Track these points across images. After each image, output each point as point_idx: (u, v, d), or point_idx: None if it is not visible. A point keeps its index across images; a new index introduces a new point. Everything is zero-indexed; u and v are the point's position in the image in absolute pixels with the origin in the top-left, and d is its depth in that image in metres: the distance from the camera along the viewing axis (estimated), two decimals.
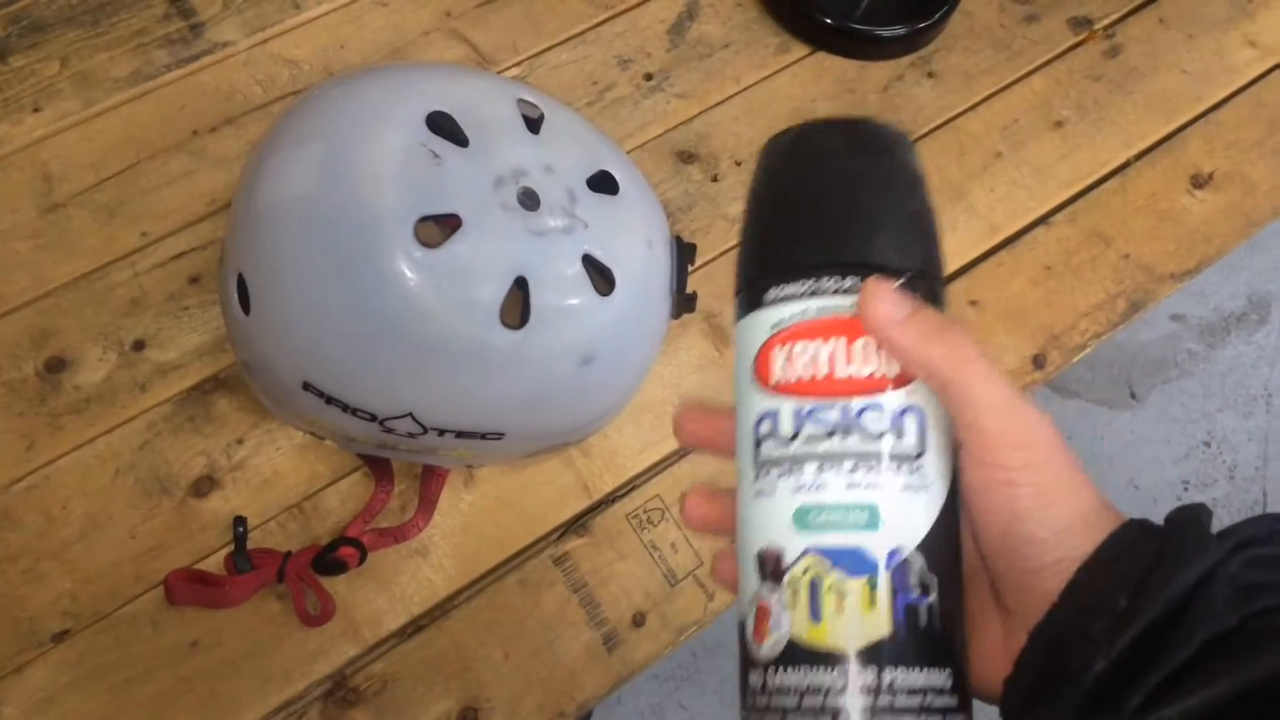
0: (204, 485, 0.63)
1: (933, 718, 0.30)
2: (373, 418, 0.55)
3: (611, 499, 0.65)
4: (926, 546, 0.31)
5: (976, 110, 0.78)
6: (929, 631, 0.31)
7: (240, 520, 0.61)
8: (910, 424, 0.32)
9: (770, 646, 0.31)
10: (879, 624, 0.31)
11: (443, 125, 0.54)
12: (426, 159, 0.52)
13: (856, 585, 0.31)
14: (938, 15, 0.80)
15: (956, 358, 0.30)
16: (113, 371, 0.65)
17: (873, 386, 0.32)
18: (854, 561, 0.31)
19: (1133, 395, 1.54)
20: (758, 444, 0.33)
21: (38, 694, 0.57)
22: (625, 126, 0.75)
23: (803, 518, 0.32)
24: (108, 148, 0.70)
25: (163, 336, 0.66)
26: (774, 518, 0.32)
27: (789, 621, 0.31)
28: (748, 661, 0.32)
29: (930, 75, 0.79)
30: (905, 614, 0.31)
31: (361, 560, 0.61)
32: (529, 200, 0.54)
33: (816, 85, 0.78)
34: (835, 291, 0.32)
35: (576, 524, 0.64)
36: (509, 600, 0.62)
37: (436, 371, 0.54)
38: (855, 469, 0.31)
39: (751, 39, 0.80)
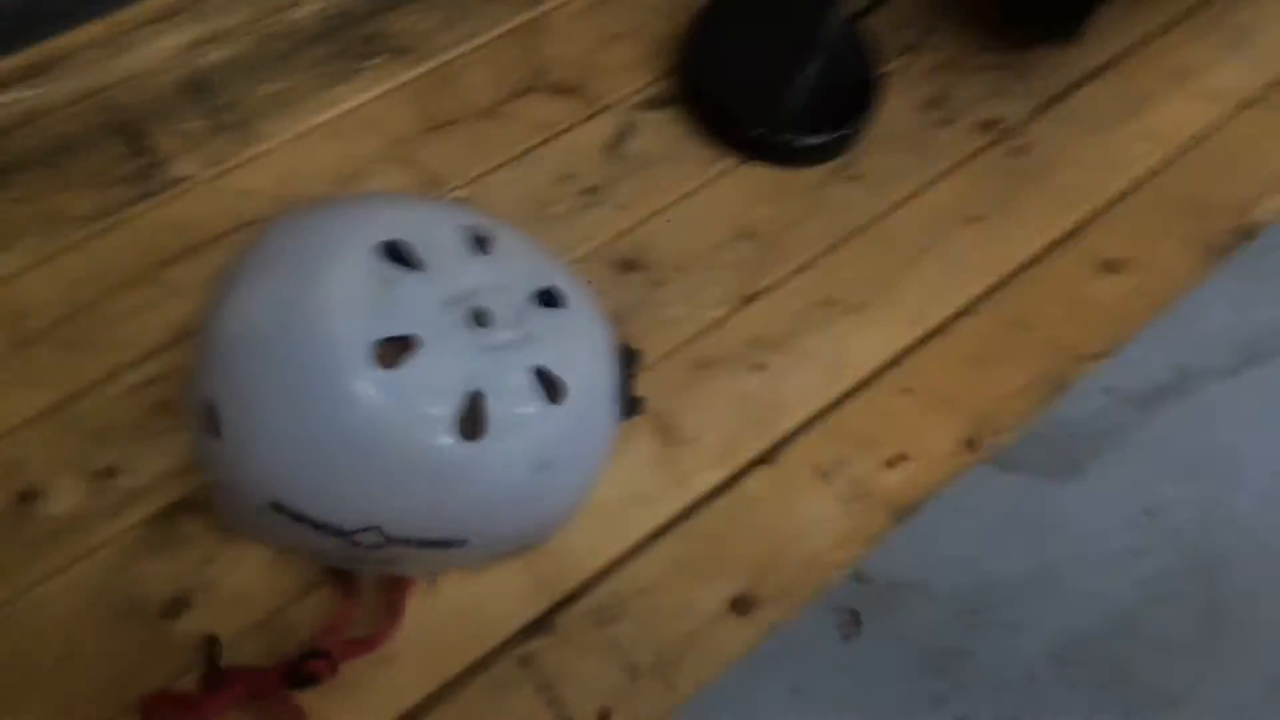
0: (176, 606, 0.64)
1: None
2: (340, 532, 0.58)
3: (571, 598, 0.67)
4: None
5: (898, 210, 0.83)
6: None
7: (212, 639, 0.62)
8: None
9: None
10: None
11: (395, 252, 0.57)
12: (380, 284, 0.56)
13: None
14: (854, 123, 0.85)
15: None
16: (83, 499, 0.66)
17: None
18: None
19: (1074, 467, 1.58)
20: None
21: None
22: (569, 239, 0.79)
23: None
24: (74, 282, 0.73)
25: (131, 462, 0.68)
26: None
27: None
28: None
29: (853, 178, 0.84)
30: None
31: (333, 672, 0.62)
32: (480, 318, 0.57)
33: (747, 194, 0.83)
34: None
35: (539, 624, 0.66)
36: (478, 704, 0.64)
37: (400, 485, 0.56)
38: None
39: (683, 153, 0.84)
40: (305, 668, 0.61)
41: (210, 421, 0.58)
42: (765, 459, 0.73)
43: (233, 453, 0.58)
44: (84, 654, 0.62)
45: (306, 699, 0.62)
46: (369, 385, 0.54)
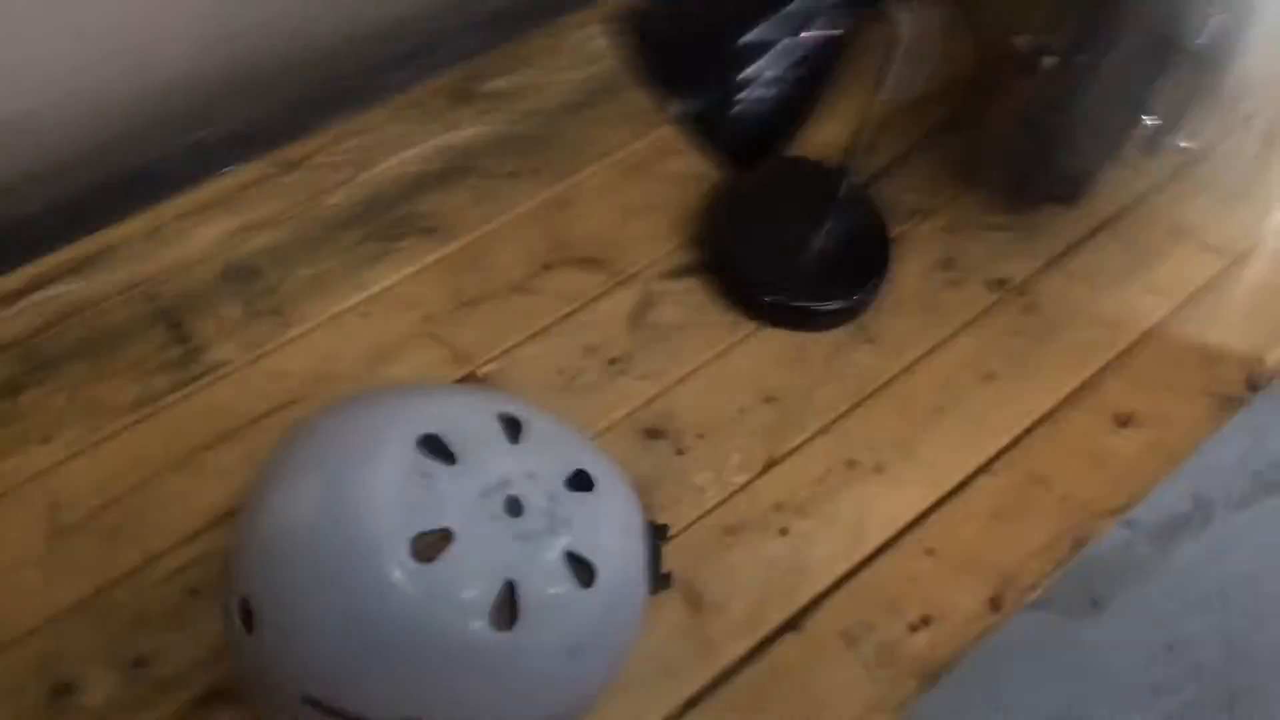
0: None
1: None
2: None
3: None
4: None
5: (914, 370, 0.84)
6: None
7: None
8: None
9: None
10: None
11: (432, 445, 0.58)
12: (419, 480, 0.56)
13: None
14: (868, 287, 0.87)
15: None
16: (114, 690, 0.66)
17: None
18: None
19: (1094, 604, 1.55)
20: None
21: None
22: (595, 409, 0.80)
23: None
24: (113, 472, 0.74)
25: (164, 651, 0.67)
26: None
27: None
28: None
29: (869, 341, 0.86)
30: None
31: None
32: (514, 507, 0.57)
33: (767, 358, 0.84)
34: None
35: None
36: None
37: (434, 677, 0.56)
38: None
39: (704, 320, 0.86)
40: None
41: (245, 616, 0.58)
42: (792, 625, 0.72)
43: (268, 647, 0.57)
44: None
45: None
46: (407, 578, 0.54)
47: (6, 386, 0.77)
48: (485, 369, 0.81)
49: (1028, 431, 0.81)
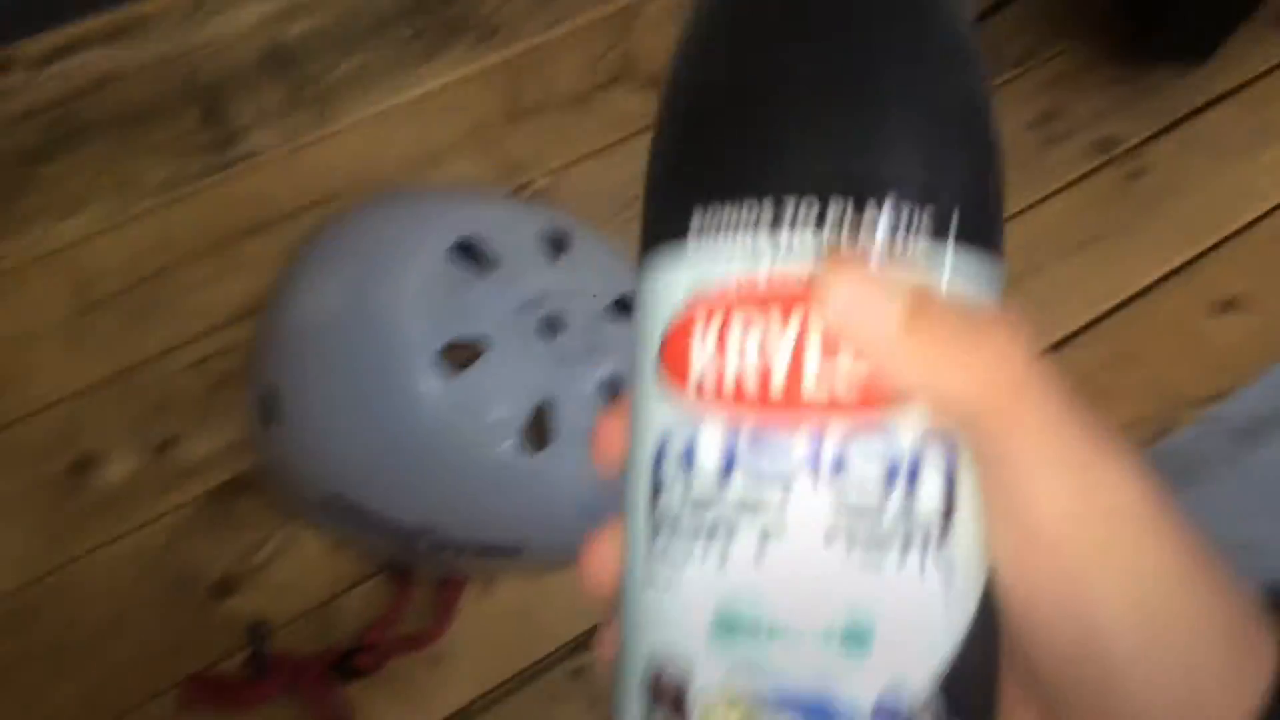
0: (225, 587, 0.65)
1: None
2: (396, 531, 0.58)
3: None
4: (952, 684, 0.19)
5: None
6: None
7: (257, 626, 0.63)
8: (930, 472, 0.20)
9: None
10: None
11: (468, 251, 0.57)
12: (451, 285, 0.55)
13: None
14: None
15: (989, 382, 0.19)
16: (138, 471, 0.68)
17: (869, 403, 0.19)
18: (818, 712, 0.19)
19: None
20: (656, 487, 0.21)
21: None
22: None
23: (730, 626, 0.19)
24: (140, 252, 0.74)
25: (188, 438, 0.69)
26: (676, 618, 0.20)
27: None
28: None
29: None
30: None
31: (379, 667, 0.62)
32: (551, 326, 0.56)
33: None
34: (806, 233, 0.20)
35: (594, 637, 0.66)
36: (526, 712, 0.64)
37: (459, 490, 0.56)
38: (832, 544, 0.19)
39: None
40: (352, 661, 0.62)
41: (271, 407, 0.58)
42: None
43: (292, 440, 0.58)
44: (130, 626, 0.64)
45: (352, 692, 0.62)
46: (434, 388, 0.54)
47: (36, 153, 0.77)
48: (535, 184, 0.80)
49: (1120, 306, 0.79)
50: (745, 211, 0.20)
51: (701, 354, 0.20)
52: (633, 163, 0.82)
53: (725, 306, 0.20)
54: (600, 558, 0.25)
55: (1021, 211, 0.82)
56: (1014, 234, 0.76)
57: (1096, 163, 0.85)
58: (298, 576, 0.66)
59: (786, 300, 0.19)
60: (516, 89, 0.84)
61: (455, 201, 0.62)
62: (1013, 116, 0.86)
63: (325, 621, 0.66)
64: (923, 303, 0.19)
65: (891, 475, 0.19)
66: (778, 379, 0.19)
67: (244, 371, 0.70)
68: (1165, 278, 0.81)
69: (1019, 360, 0.20)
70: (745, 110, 0.21)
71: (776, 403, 0.19)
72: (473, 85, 0.84)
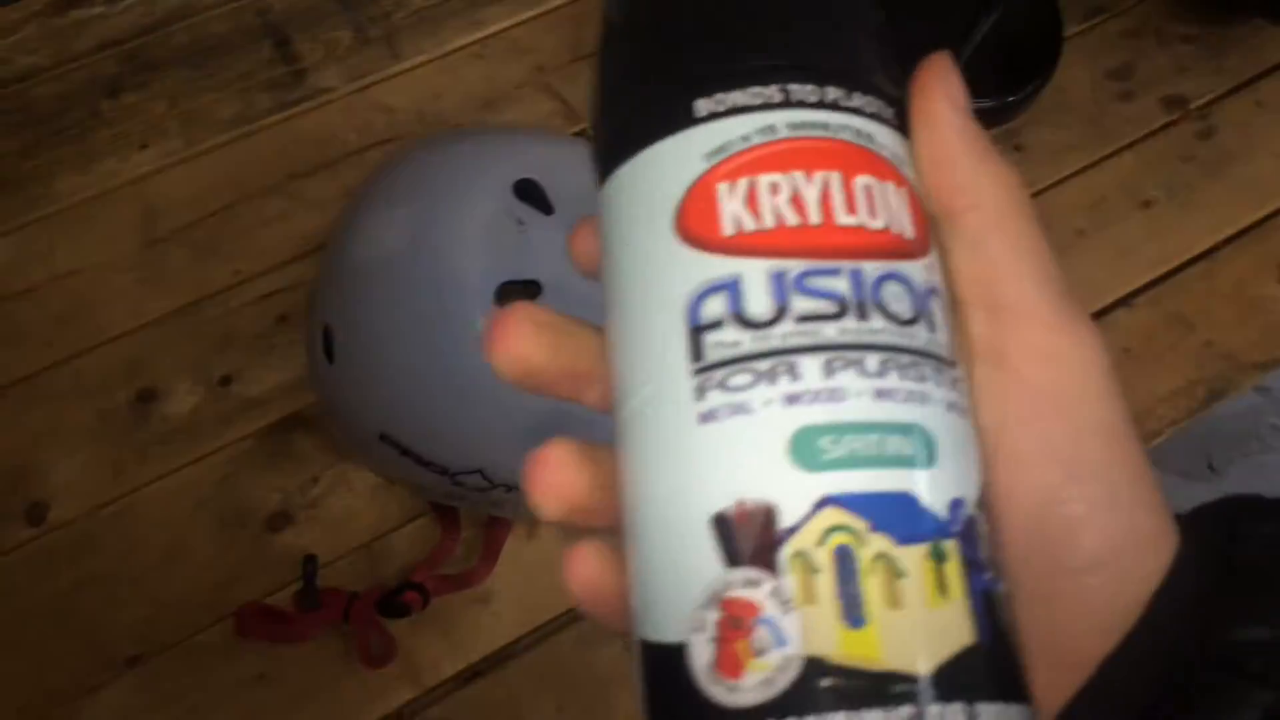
0: (279, 521, 0.66)
1: None
2: (444, 471, 0.58)
3: None
4: (984, 502, 0.21)
5: (1063, 186, 0.79)
6: (1010, 636, 0.20)
7: (310, 559, 0.64)
8: (939, 312, 0.22)
9: (761, 680, 0.19)
10: (956, 624, 0.19)
11: (530, 192, 0.57)
12: (512, 226, 0.55)
13: (916, 557, 0.19)
14: (1029, 89, 0.81)
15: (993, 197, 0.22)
16: (199, 405, 0.68)
17: (891, 247, 0.21)
18: (906, 517, 0.19)
19: (1211, 468, 1.51)
20: (697, 336, 0.21)
21: (110, 717, 0.61)
22: None
23: (810, 447, 0.20)
24: (208, 187, 0.75)
25: (249, 373, 0.69)
26: (749, 452, 0.20)
27: (801, 628, 0.19)
28: (703, 713, 0.19)
29: (1018, 148, 0.80)
30: (984, 607, 0.20)
31: (424, 605, 0.63)
32: None
33: None
34: (819, 104, 0.22)
35: None
36: (566, 654, 0.64)
37: (509, 432, 0.56)
38: (888, 369, 0.20)
39: None
40: (399, 598, 0.63)
41: (326, 345, 0.59)
42: None
43: (347, 379, 0.58)
44: (187, 557, 0.65)
45: (397, 628, 0.63)
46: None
47: (108, 85, 0.77)
48: None
49: (1180, 269, 0.76)
50: (761, 89, 0.22)
51: (735, 206, 0.21)
52: None
53: (751, 165, 0.21)
54: (556, 467, 0.24)
55: (1087, 167, 0.80)
56: (1079, 189, 0.74)
57: (1166, 120, 0.83)
58: (349, 514, 0.67)
59: (811, 156, 0.21)
60: (582, 33, 0.83)
61: (517, 142, 0.61)
62: (1084, 68, 0.84)
63: (373, 558, 0.66)
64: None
65: (920, 303, 0.21)
66: (815, 219, 0.21)
67: (303, 308, 0.71)
68: (1229, 240, 0.79)
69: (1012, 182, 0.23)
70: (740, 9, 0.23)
71: (818, 241, 0.21)
72: (538, 28, 0.83)
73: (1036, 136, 0.81)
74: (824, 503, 0.19)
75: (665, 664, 0.20)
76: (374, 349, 0.57)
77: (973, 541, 0.20)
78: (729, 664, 0.19)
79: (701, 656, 0.19)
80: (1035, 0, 0.83)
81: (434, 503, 0.66)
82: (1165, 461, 1.50)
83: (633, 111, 0.23)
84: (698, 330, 0.21)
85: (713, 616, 0.19)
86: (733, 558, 0.19)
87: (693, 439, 0.20)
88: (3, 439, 0.66)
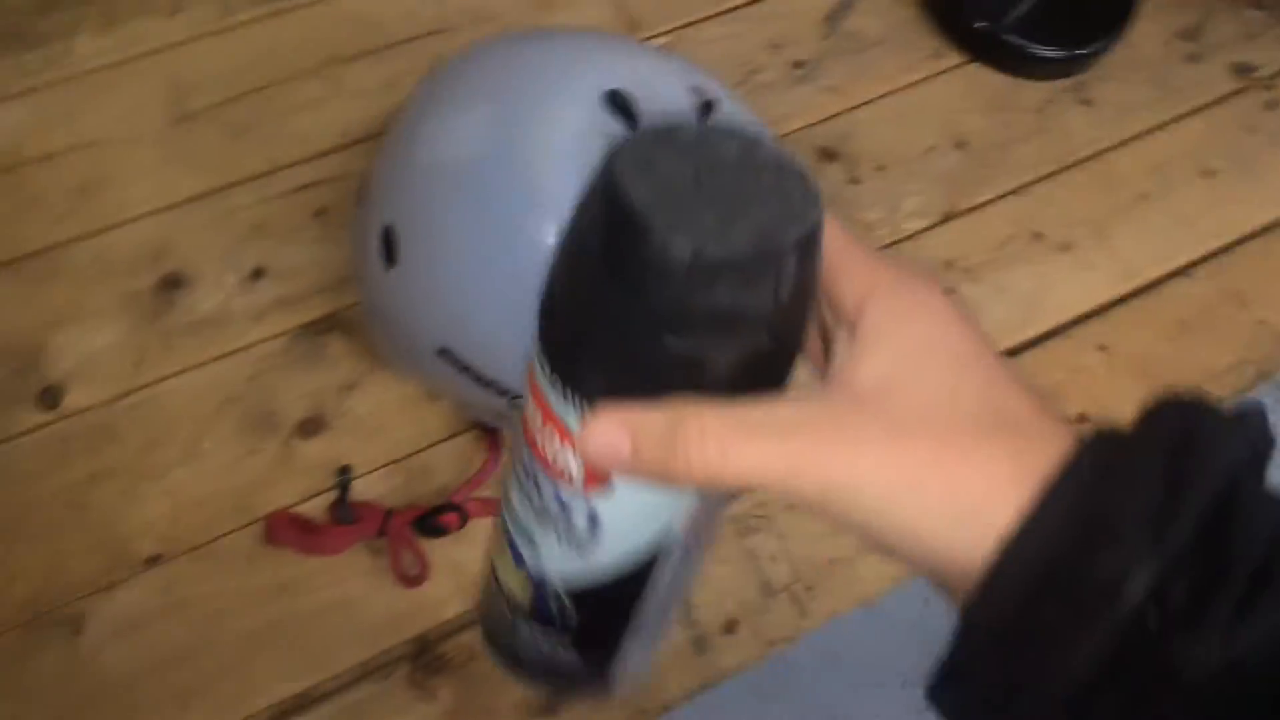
0: (310, 427, 0.62)
1: None
2: (503, 392, 0.55)
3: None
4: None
5: (1128, 147, 0.76)
6: None
7: (345, 470, 0.60)
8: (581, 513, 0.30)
9: None
10: None
11: (619, 105, 0.53)
12: (600, 140, 0.51)
13: None
14: (1100, 43, 0.78)
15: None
16: (229, 297, 0.64)
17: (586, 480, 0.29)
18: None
19: None
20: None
21: (125, 615, 0.57)
22: (770, 114, 0.73)
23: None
24: (243, 64, 0.69)
25: (282, 267, 0.65)
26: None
27: None
28: None
29: (1085, 102, 0.78)
30: None
31: (461, 526, 0.60)
32: None
33: (967, 97, 0.77)
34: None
35: None
36: None
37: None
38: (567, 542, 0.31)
39: (906, 39, 0.78)
40: (436, 519, 0.60)
41: (386, 247, 0.55)
42: None
43: (406, 285, 0.54)
44: (210, 457, 0.61)
45: (429, 546, 0.60)
46: None
47: None
48: (657, 41, 0.74)
49: (1239, 242, 0.75)
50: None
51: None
52: (754, 27, 0.77)
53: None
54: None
55: (1154, 129, 0.77)
56: (1144, 151, 0.71)
57: (1233, 88, 0.80)
58: (385, 425, 0.63)
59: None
60: None
61: (605, 50, 0.57)
62: (1155, 26, 0.80)
63: (409, 473, 0.63)
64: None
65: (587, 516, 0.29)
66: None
67: (344, 203, 0.66)
68: None
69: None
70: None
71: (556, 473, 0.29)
72: None
73: (1104, 92, 0.78)
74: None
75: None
76: (443, 257, 0.53)
77: None
78: None
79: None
80: None
81: (478, 421, 0.63)
82: None
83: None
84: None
85: None
86: None
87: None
88: (16, 315, 0.61)
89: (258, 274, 0.64)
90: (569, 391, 0.27)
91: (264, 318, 0.64)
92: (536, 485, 0.30)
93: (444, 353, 0.54)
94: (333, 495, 0.61)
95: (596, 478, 0.28)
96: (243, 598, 0.58)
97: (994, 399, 0.26)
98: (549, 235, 0.50)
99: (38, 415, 0.60)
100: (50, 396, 0.60)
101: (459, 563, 0.61)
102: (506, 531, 0.33)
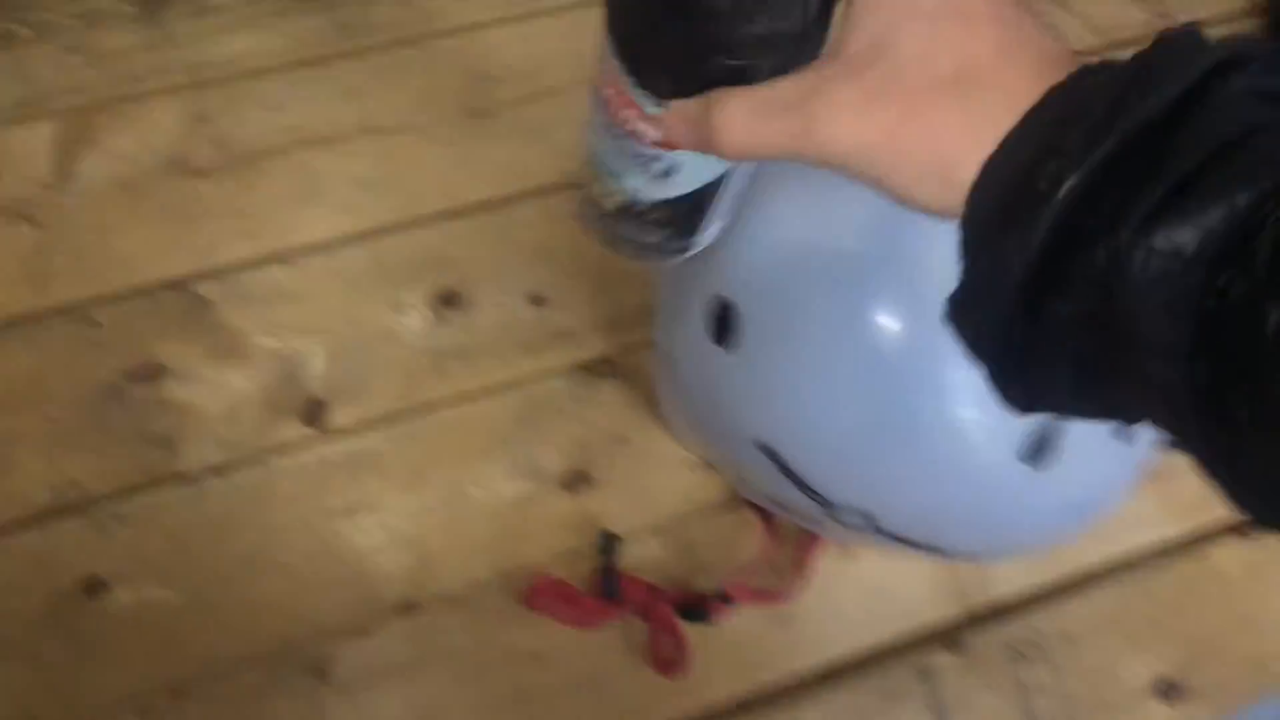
0: (576, 479, 0.57)
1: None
2: (824, 503, 0.49)
3: (990, 617, 0.59)
4: None
5: None
6: None
7: (612, 540, 0.55)
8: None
9: None
10: None
11: None
12: None
13: None
14: None
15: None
16: (506, 322, 0.58)
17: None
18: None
19: None
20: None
21: (372, 664, 0.53)
22: None
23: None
24: (545, 58, 0.63)
25: (564, 296, 0.59)
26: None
27: None
28: None
29: None
30: None
31: (727, 615, 0.55)
32: None
33: None
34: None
35: (948, 637, 0.58)
36: (863, 704, 0.56)
37: (933, 489, 0.47)
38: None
39: None
40: (704, 605, 0.55)
41: (720, 324, 0.49)
42: (1239, 530, 0.62)
43: (741, 371, 0.48)
44: (471, 501, 0.56)
45: (690, 632, 0.55)
46: (964, 382, 0.44)
47: None
48: None
49: None
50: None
51: None
52: None
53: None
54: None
55: None
56: None
57: None
58: (653, 488, 0.57)
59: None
60: None
61: None
62: None
63: (672, 543, 0.57)
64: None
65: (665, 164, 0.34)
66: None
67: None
68: None
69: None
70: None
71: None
72: None
73: None
74: None
75: None
76: (793, 352, 0.47)
77: None
78: None
79: None
80: None
81: (755, 504, 0.57)
82: None
83: None
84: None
85: None
86: None
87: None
88: (288, 314, 0.56)
89: (537, 300, 0.59)
90: (639, 85, 0.31)
91: (539, 351, 0.58)
92: (619, 140, 0.34)
93: (765, 449, 0.48)
94: (593, 560, 0.56)
95: (668, 143, 0.32)
96: (493, 660, 0.54)
97: (967, 55, 0.26)
98: (925, 357, 0.44)
99: (300, 430, 0.55)
100: (314, 412, 0.55)
101: (716, 648, 0.56)
102: (599, 160, 0.36)
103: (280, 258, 0.57)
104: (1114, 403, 0.26)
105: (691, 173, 0.34)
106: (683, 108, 0.29)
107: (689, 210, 0.36)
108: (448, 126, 0.60)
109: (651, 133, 0.32)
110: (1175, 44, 0.25)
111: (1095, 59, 0.25)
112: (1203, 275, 0.22)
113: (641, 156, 0.33)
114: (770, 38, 0.28)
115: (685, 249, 0.39)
